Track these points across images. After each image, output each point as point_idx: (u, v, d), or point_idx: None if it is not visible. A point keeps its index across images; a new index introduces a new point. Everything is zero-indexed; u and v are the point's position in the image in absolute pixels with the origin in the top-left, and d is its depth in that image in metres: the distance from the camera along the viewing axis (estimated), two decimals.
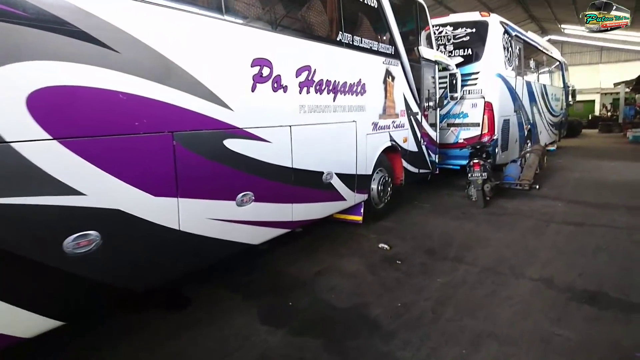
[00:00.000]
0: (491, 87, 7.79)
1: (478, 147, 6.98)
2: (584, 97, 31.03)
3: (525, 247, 4.58)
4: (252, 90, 3.36)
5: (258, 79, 3.39)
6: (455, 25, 8.02)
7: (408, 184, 6.41)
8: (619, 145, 15.81)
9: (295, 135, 3.84)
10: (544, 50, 11.86)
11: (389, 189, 5.84)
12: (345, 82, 4.52)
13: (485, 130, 7.81)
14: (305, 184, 4.05)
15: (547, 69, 12.33)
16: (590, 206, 6.35)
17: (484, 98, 7.79)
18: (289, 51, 3.77)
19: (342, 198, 4.67)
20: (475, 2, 18.25)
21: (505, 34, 8.14)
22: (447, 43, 8.12)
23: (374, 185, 5.51)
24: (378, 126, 5.30)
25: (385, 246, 4.65)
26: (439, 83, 7.48)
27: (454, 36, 8.02)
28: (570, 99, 15.62)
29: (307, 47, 4.02)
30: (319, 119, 4.17)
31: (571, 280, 3.69)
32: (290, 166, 3.81)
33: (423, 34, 6.64)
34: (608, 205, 6.32)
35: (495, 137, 7.84)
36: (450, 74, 7.38)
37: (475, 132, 7.91)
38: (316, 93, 4.07)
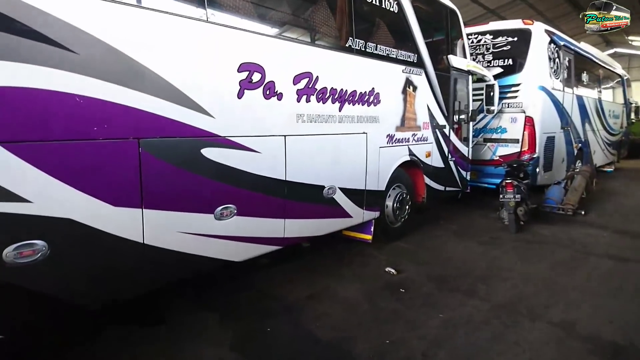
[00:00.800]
0: (533, 101, 7.14)
1: (514, 165, 6.39)
2: None
3: (552, 283, 4.00)
4: (239, 97, 3.13)
5: (246, 84, 3.16)
6: (496, 34, 7.46)
7: (436, 201, 5.95)
8: None
9: (290, 145, 3.57)
10: (601, 63, 10.89)
11: (407, 206, 5.41)
12: (355, 90, 4.20)
13: (525, 148, 7.16)
14: (301, 198, 3.76)
15: (604, 83, 11.29)
16: None
17: (524, 112, 7.15)
18: (285, 57, 3.50)
19: (346, 215, 4.33)
20: (531, 12, 17.23)
21: (552, 44, 7.46)
22: (485, 52, 7.57)
23: (389, 202, 5.12)
24: (395, 139, 4.92)
25: (393, 270, 4.25)
26: (474, 95, 6.98)
27: (494, 45, 7.46)
28: (632, 116, 14.30)
29: (308, 53, 3.76)
30: (321, 129, 3.87)
31: (598, 328, 3.12)
32: (284, 179, 3.54)
33: (457, 42, 6.19)
34: None
35: (536, 156, 7.17)
36: (487, 86, 6.85)
37: (513, 148, 7.28)
38: (318, 102, 3.79)
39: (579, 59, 8.99)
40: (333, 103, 3.95)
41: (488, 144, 7.55)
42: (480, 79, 6.91)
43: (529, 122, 7.11)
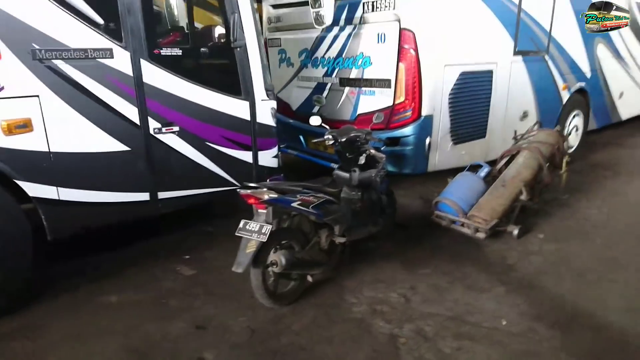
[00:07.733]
0: None
1: (343, 140, 2.85)
2: None
3: None
4: None
5: None
6: None
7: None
8: None
9: None
10: None
11: None
12: None
13: (400, 98, 3.45)
14: None
15: None
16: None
17: (398, 22, 3.36)
18: None
19: None
20: None
21: None
22: None
23: None
24: None
25: None
26: None
27: None
28: None
29: None
30: None
31: None
32: None
33: None
34: None
35: (423, 115, 3.47)
36: None
37: (384, 99, 3.58)
38: None
39: None
40: None
41: (347, 89, 3.87)
42: None
43: (407, 41, 3.32)
